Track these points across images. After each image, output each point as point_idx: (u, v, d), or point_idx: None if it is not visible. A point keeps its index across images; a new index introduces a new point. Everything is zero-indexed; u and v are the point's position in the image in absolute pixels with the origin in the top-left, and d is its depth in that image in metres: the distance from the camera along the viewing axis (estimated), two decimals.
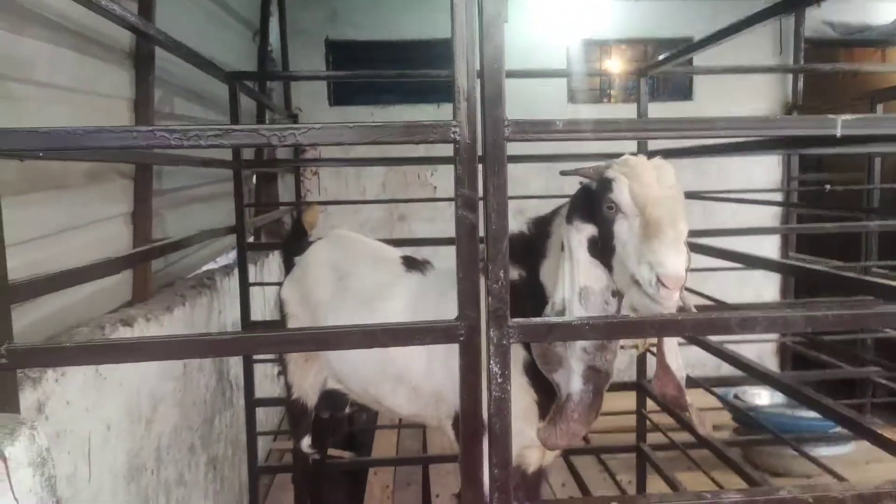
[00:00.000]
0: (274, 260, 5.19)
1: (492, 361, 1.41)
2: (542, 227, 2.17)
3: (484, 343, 1.42)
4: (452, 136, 1.39)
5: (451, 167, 1.41)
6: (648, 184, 1.78)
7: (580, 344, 1.84)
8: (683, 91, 6.50)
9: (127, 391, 2.14)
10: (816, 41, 6.25)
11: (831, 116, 1.46)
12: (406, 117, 6.17)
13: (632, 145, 3.11)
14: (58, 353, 1.34)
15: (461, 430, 1.43)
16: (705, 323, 1.47)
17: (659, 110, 6.05)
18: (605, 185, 1.84)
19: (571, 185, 2.07)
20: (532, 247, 2.18)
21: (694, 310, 1.88)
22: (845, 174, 5.64)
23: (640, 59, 6.44)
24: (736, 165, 6.22)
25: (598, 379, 1.86)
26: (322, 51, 6.32)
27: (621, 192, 1.80)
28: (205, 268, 3.92)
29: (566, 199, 2.18)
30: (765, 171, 6.35)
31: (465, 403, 1.40)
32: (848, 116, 1.47)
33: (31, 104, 2.04)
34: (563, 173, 2.02)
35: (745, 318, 1.42)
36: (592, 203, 1.89)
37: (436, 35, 6.07)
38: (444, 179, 6.28)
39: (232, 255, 4.46)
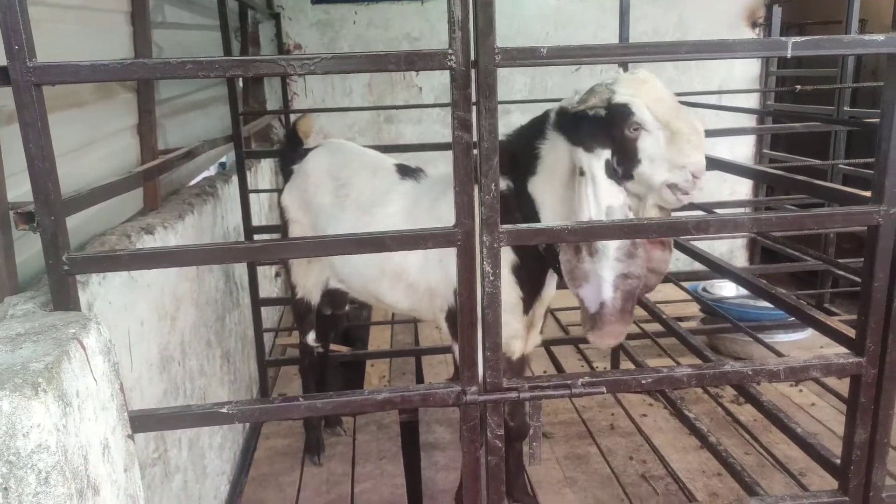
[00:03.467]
0: (265, 165, 5.34)
1: (484, 262, 1.65)
2: (527, 143, 2.36)
3: (477, 246, 1.65)
4: (448, 63, 1.57)
5: None
6: (660, 100, 2.06)
7: (612, 255, 2.11)
8: None
9: (154, 292, 2.37)
10: None
11: (783, 39, 1.68)
12: (390, 15, 6.13)
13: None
14: (113, 260, 1.55)
15: (459, 321, 1.69)
16: (666, 226, 1.71)
17: (643, 2, 6.01)
18: (622, 110, 2.07)
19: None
20: (517, 160, 2.38)
21: None
22: (821, 70, 5.74)
23: None
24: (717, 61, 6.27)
25: (627, 284, 2.13)
26: None
27: (643, 113, 2.05)
28: (203, 175, 4.07)
29: (549, 105, 2.38)
30: (745, 64, 6.42)
31: (463, 298, 1.65)
32: (797, 39, 1.67)
33: (46, 25, 2.14)
34: (568, 110, 2.20)
35: (700, 221, 1.67)
36: (604, 129, 2.11)
37: None
38: (429, 78, 6.24)
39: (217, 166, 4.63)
